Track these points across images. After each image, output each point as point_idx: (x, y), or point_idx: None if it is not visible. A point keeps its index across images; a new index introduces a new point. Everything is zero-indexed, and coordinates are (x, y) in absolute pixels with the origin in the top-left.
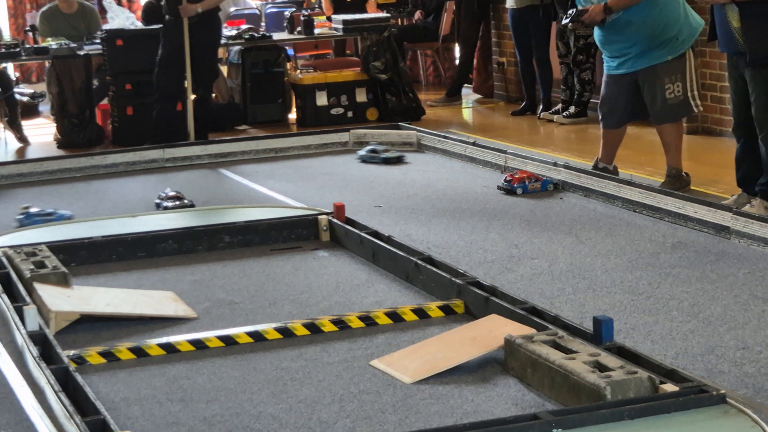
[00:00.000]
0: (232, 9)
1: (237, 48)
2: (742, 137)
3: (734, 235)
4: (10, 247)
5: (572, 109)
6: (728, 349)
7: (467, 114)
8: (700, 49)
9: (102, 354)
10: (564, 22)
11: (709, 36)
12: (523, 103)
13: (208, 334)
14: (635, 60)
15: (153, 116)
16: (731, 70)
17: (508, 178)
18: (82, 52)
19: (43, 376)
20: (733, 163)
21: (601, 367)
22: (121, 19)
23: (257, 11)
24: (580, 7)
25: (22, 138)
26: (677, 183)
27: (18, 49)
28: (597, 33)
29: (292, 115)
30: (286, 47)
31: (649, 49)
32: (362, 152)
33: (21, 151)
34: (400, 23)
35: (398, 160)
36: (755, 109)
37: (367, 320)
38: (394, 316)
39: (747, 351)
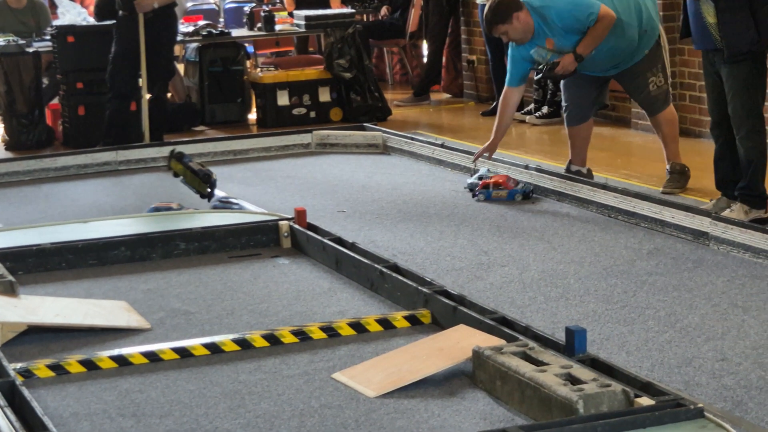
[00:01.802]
0: (189, 4)
1: (194, 45)
2: (720, 137)
3: (713, 241)
4: None
5: (545, 109)
6: (706, 361)
7: (435, 114)
8: (678, 47)
9: (50, 367)
10: (537, 77)
11: (682, 33)
12: (494, 103)
13: (162, 346)
14: (616, 69)
15: (106, 116)
16: (707, 67)
17: (476, 181)
18: (31, 49)
19: None
20: (712, 166)
21: (573, 380)
22: (73, 14)
23: (215, 6)
24: (550, 61)
25: None
26: (682, 179)
27: None
28: None
29: (252, 116)
30: (246, 44)
31: (628, 55)
32: (471, 180)
33: None
34: (365, 19)
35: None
36: (732, 108)
37: (330, 331)
38: (358, 326)
39: (726, 362)
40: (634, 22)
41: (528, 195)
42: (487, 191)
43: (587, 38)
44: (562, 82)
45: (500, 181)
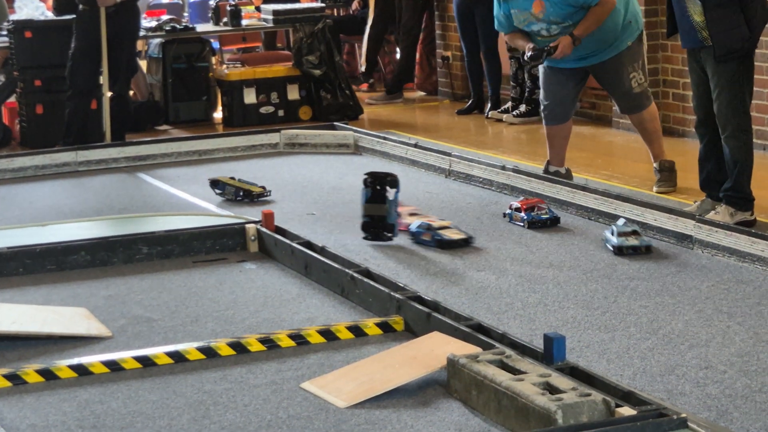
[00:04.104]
0: None
1: (157, 41)
2: (705, 136)
3: (697, 244)
4: None
5: (523, 107)
6: (690, 369)
7: (409, 113)
8: (661, 43)
9: (7, 377)
10: (533, 63)
11: (668, 31)
12: (470, 101)
13: (124, 355)
14: (595, 58)
15: (66, 115)
16: (692, 64)
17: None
18: None
19: None
20: (696, 166)
21: (551, 389)
22: (30, 8)
23: (179, 0)
24: (544, 46)
25: None
26: (672, 176)
27: None
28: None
29: (218, 114)
30: (211, 40)
31: (608, 44)
32: (613, 238)
33: None
34: (335, 14)
35: (644, 250)
36: (717, 106)
37: (298, 339)
38: (328, 334)
39: (710, 370)
40: (620, 6)
41: (534, 222)
42: (510, 213)
43: (587, 21)
44: (541, 81)
45: (524, 206)
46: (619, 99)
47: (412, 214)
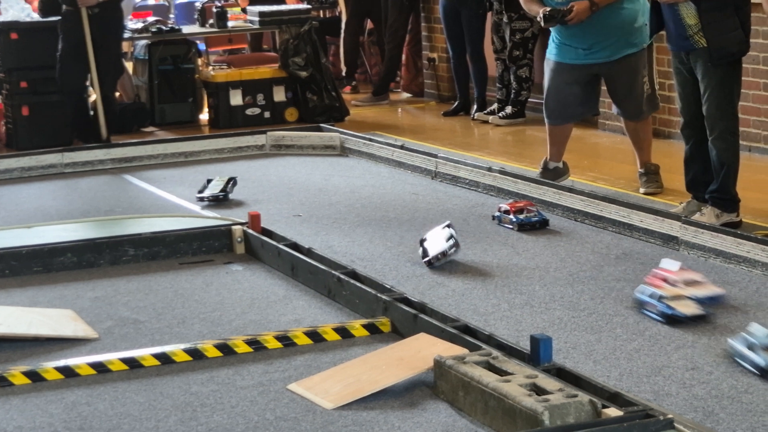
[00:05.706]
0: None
1: (143, 42)
2: (691, 137)
3: (683, 245)
4: None
5: (509, 109)
6: (676, 370)
7: (395, 114)
8: None
9: None
10: (547, 24)
11: (652, 30)
12: (456, 103)
13: (111, 357)
14: (609, 50)
15: (70, 114)
16: (677, 66)
17: (506, 208)
18: None
19: None
20: (682, 167)
21: (538, 390)
22: (16, 10)
23: (165, 2)
24: (561, 6)
25: None
26: (659, 178)
27: None
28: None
29: (204, 116)
30: (197, 41)
31: (625, 37)
32: (755, 356)
33: None
34: (321, 15)
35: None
36: (707, 108)
37: (285, 340)
38: (315, 335)
39: (696, 371)
40: (637, 6)
41: (524, 225)
42: (499, 215)
43: None
44: (546, 78)
45: (513, 208)
46: (628, 103)
47: (689, 283)
